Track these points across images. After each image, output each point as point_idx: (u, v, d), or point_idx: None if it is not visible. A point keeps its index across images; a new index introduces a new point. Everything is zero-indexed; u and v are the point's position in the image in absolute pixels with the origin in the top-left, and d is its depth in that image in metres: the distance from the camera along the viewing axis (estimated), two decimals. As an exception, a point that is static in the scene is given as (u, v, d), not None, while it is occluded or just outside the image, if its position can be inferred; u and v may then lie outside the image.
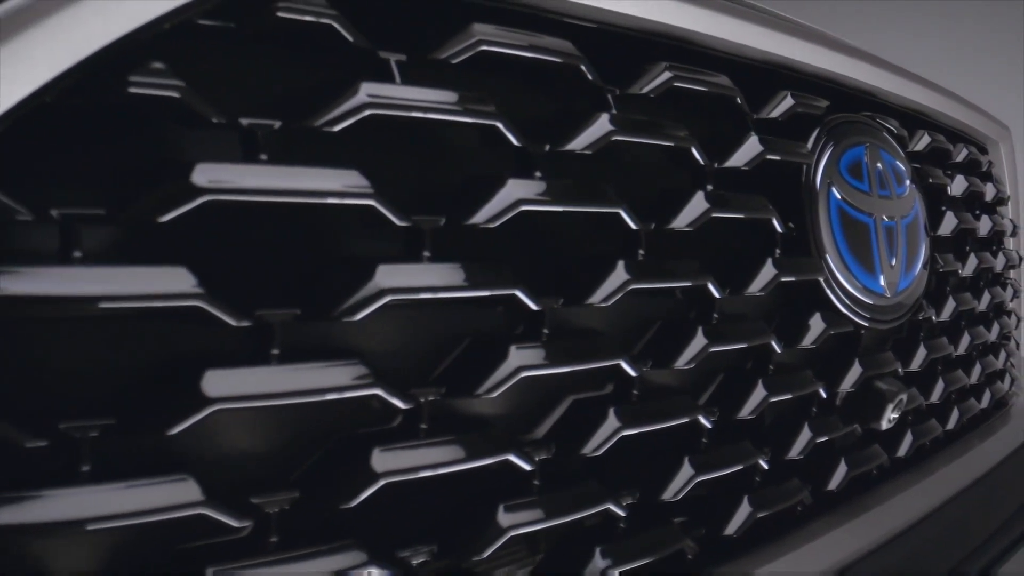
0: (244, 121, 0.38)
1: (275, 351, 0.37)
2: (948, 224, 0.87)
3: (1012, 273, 1.19)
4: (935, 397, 0.86)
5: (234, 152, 0.38)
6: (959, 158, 0.96)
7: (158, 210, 0.34)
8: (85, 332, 0.36)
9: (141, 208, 0.34)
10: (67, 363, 0.35)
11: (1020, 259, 1.18)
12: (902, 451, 0.81)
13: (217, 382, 0.35)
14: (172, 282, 0.34)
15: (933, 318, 0.82)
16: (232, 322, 0.35)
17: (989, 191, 1.04)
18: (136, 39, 0.35)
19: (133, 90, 0.34)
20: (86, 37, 0.33)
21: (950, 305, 0.87)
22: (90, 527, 0.33)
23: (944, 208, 0.88)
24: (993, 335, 1.04)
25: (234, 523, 0.36)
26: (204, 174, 0.35)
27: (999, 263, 1.04)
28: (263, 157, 0.37)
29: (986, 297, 0.98)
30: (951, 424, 0.91)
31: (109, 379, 0.36)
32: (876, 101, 0.81)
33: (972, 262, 0.92)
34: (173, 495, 0.35)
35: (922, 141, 0.86)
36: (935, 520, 0.74)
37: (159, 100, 0.35)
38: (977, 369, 0.98)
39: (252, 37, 0.40)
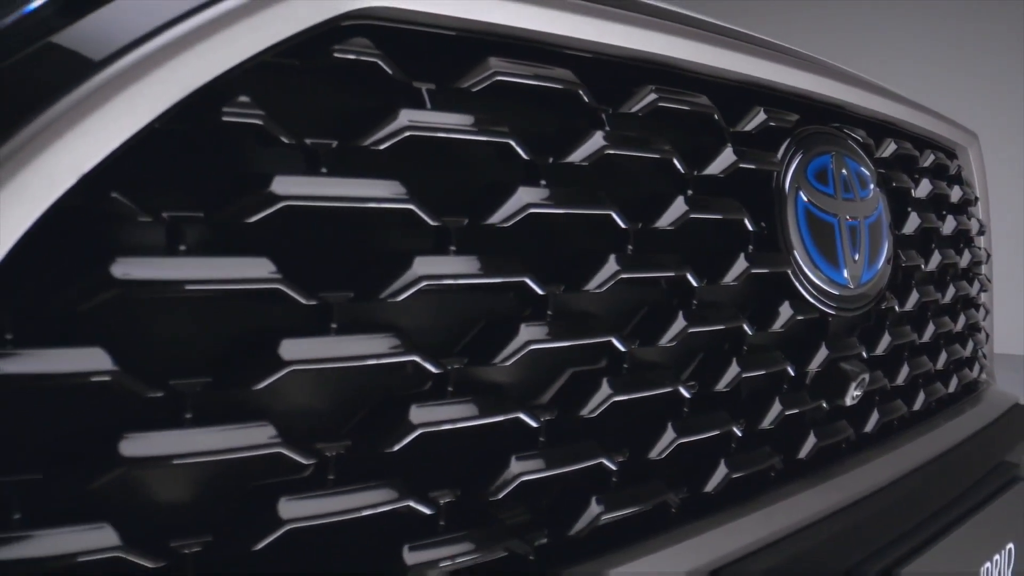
0: (308, 141, 0.47)
1: (334, 325, 0.47)
2: (912, 223, 0.96)
3: (983, 269, 1.29)
4: (900, 380, 0.96)
5: (300, 166, 0.47)
6: (926, 163, 1.05)
7: (246, 213, 0.44)
8: (189, 309, 0.45)
9: (233, 211, 0.44)
10: (177, 333, 0.45)
11: (988, 256, 1.27)
12: (869, 427, 0.90)
13: (291, 348, 0.45)
14: (258, 269, 0.44)
15: (896, 308, 0.91)
16: (303, 301, 0.45)
17: (956, 193, 1.13)
18: (224, 78, 0.44)
19: (226, 119, 0.44)
20: (190, 77, 0.42)
21: (914, 297, 0.96)
22: (192, 460, 0.43)
23: (909, 209, 0.97)
24: (959, 325, 1.13)
25: (303, 460, 0.46)
26: (281, 185, 0.44)
27: (965, 259, 1.13)
28: (324, 170, 0.47)
29: (951, 290, 1.08)
30: (917, 405, 1.01)
31: (208, 346, 0.45)
32: (846, 113, 0.90)
33: (936, 258, 1.02)
34: (257, 436, 0.44)
35: (889, 148, 0.95)
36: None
37: (244, 126, 0.44)
38: (943, 356, 1.07)
39: (313, 72, 0.49)
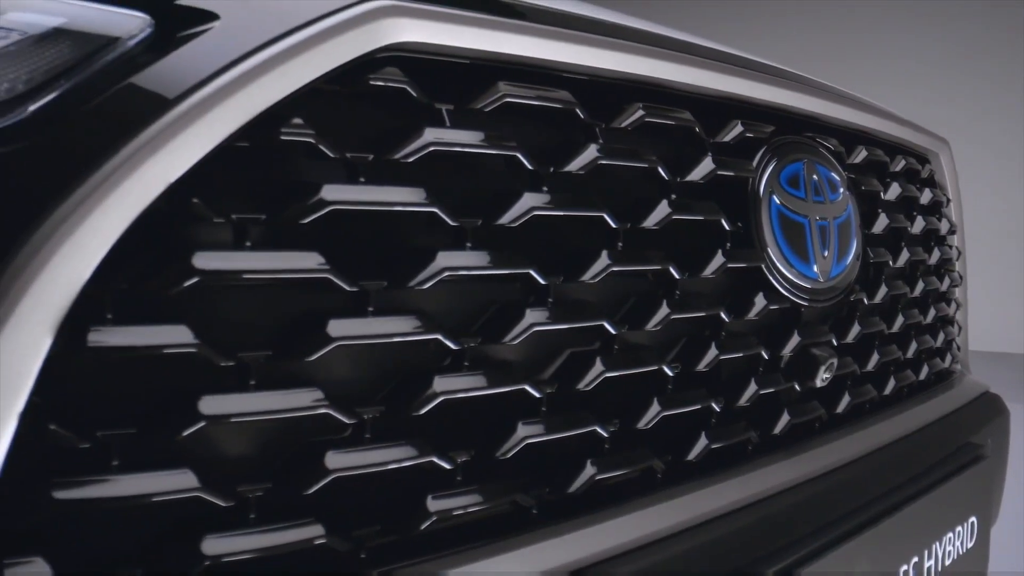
0: (348, 155, 0.56)
1: (371, 308, 0.56)
2: (881, 223, 1.05)
3: (956, 265, 1.38)
4: (871, 366, 1.05)
5: (342, 176, 0.56)
6: (897, 168, 1.14)
7: (300, 215, 0.53)
8: (252, 294, 0.54)
9: (290, 213, 0.53)
10: (241, 314, 0.54)
11: (960, 253, 1.37)
12: (840, 408, 0.99)
13: (337, 327, 0.54)
14: (310, 261, 0.53)
15: (865, 300, 1.01)
16: (347, 288, 0.54)
17: (926, 196, 1.22)
18: (281, 103, 0.53)
19: (283, 137, 0.53)
20: (255, 104, 0.52)
21: (882, 290, 1.05)
22: (258, 418, 0.52)
23: (879, 210, 1.06)
24: (930, 317, 1.22)
25: (346, 420, 0.55)
26: (329, 192, 0.54)
27: (935, 256, 1.22)
28: (362, 180, 0.56)
29: (920, 285, 1.17)
30: (888, 390, 1.10)
31: (269, 325, 0.55)
32: (820, 123, 0.99)
33: (905, 255, 1.11)
34: (309, 399, 0.54)
35: (860, 155, 1.04)
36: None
37: (298, 143, 0.54)
38: (913, 345, 1.16)
39: (352, 96, 0.58)
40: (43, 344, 0.44)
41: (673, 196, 0.75)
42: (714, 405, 0.79)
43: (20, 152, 0.48)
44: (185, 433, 0.50)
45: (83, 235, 0.45)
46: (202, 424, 0.50)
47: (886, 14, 6.32)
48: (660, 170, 0.74)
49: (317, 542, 0.54)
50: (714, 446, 0.79)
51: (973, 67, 6.16)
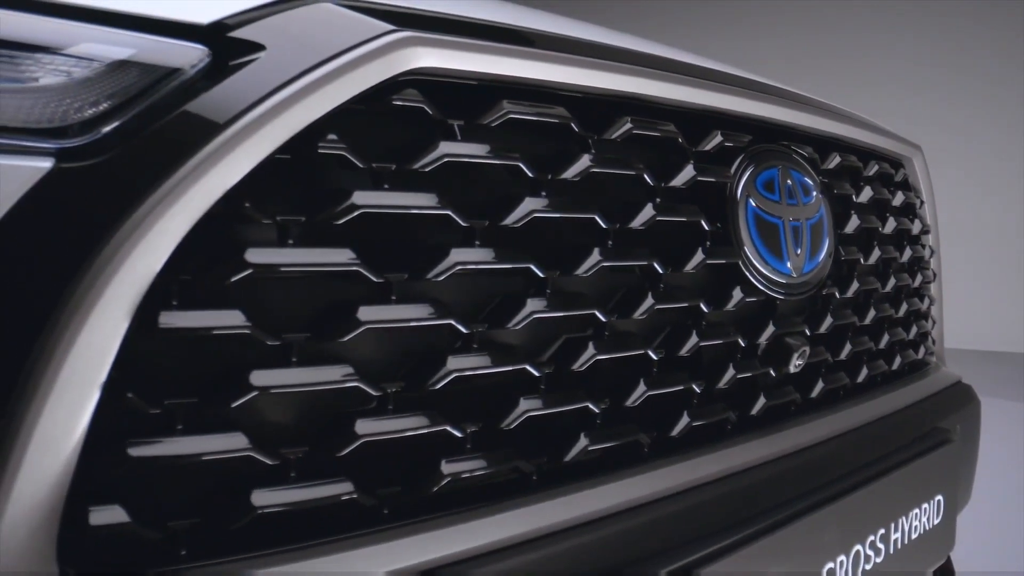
0: (374, 165, 0.65)
1: (394, 297, 0.65)
2: (853, 224, 1.14)
3: (933, 262, 1.47)
4: (843, 355, 1.14)
5: (368, 183, 0.65)
6: (870, 173, 1.23)
7: (335, 217, 0.62)
8: (294, 284, 0.64)
9: (326, 216, 0.62)
10: (284, 301, 0.63)
11: (932, 252, 1.46)
12: (814, 394, 1.08)
13: (365, 313, 0.63)
14: (343, 256, 0.62)
15: (836, 294, 1.10)
16: (374, 279, 0.63)
17: (899, 198, 1.31)
18: (318, 122, 0.62)
19: (320, 151, 0.62)
20: (295, 124, 0.61)
21: (854, 285, 1.14)
22: (299, 390, 0.61)
23: (852, 212, 1.15)
24: (902, 311, 1.31)
25: (373, 392, 0.64)
26: (359, 197, 0.63)
27: (907, 255, 1.31)
28: (386, 186, 0.65)
29: (892, 281, 1.26)
30: (860, 378, 1.19)
31: (307, 311, 0.64)
32: (796, 132, 1.08)
33: (876, 253, 1.20)
34: (343, 374, 0.63)
35: (833, 161, 1.14)
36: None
37: (332, 156, 0.63)
38: (885, 337, 1.25)
39: (377, 114, 0.67)
40: (122, 326, 0.53)
41: (658, 200, 0.84)
42: (695, 387, 0.88)
43: (97, 167, 0.56)
44: (238, 402, 0.59)
45: (155, 235, 0.54)
46: (253, 394, 0.59)
47: (887, 15, 6.42)
48: (646, 176, 0.83)
49: (346, 498, 0.63)
50: (695, 424, 0.88)
51: (975, 67, 6.25)
